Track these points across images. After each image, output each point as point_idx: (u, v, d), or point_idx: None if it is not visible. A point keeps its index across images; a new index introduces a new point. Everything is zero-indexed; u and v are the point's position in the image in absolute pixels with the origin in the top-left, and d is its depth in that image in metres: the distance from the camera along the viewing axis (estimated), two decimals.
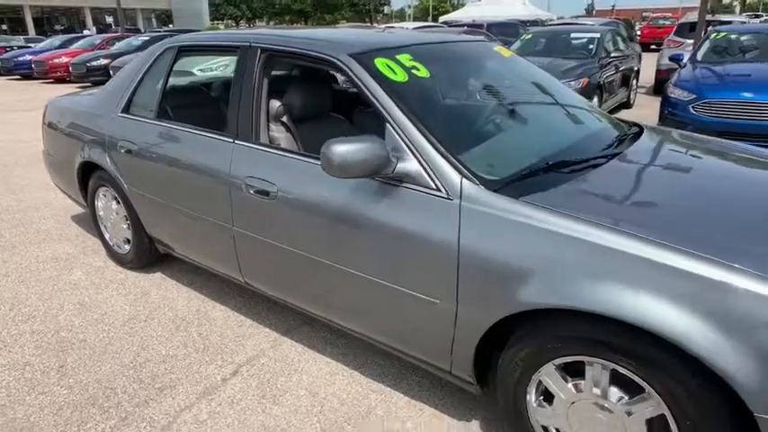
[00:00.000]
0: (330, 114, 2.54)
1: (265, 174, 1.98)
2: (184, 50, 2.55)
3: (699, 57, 6.15)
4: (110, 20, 35.64)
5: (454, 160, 1.60)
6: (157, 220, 2.63)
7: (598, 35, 7.09)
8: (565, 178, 1.63)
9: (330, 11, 50.97)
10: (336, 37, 2.06)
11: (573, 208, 1.43)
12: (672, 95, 5.32)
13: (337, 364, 2.17)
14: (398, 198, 1.64)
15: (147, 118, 2.57)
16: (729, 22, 10.16)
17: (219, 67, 6.37)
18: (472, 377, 1.65)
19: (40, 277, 2.95)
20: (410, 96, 1.77)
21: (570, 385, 1.45)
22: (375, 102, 1.74)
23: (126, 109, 2.69)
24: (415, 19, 43.70)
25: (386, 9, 45.25)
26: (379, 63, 1.86)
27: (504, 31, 12.93)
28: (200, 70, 6.14)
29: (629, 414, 1.36)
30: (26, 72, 14.74)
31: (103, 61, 12.61)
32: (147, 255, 2.90)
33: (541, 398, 1.54)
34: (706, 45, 6.36)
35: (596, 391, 1.40)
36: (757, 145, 5.10)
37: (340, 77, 3.17)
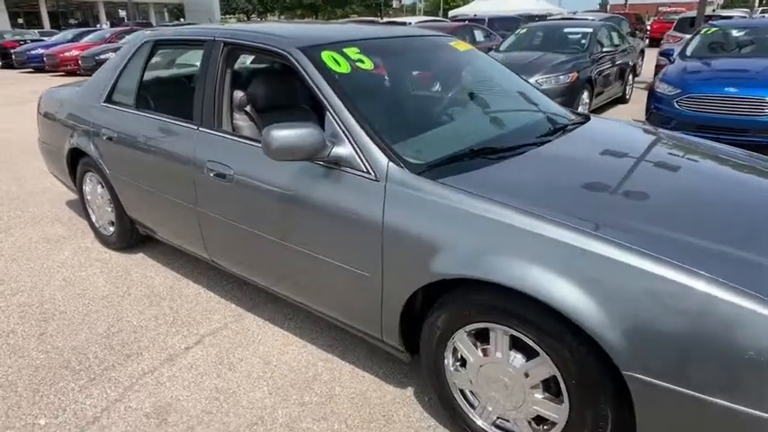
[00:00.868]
0: (301, 107, 2.69)
1: (223, 158, 2.15)
2: (160, 44, 2.73)
3: (688, 52, 6.17)
4: (123, 14, 36.13)
5: (383, 145, 1.74)
6: (135, 202, 2.81)
7: (591, 30, 7.14)
8: (487, 163, 1.77)
9: (340, 5, 51.00)
10: (290, 32, 2.21)
11: (485, 189, 1.57)
12: (658, 90, 5.36)
13: (293, 336, 2.34)
14: (335, 180, 1.79)
15: (126, 107, 2.75)
16: (730, 17, 10.09)
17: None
18: (401, 344, 1.81)
19: (31, 256, 3.16)
20: (350, 86, 1.91)
21: (479, 351, 1.60)
22: (317, 91, 1.89)
23: (108, 99, 2.87)
24: (426, 13, 43.58)
25: (396, 3, 45.04)
26: (326, 56, 2.00)
27: (506, 25, 13.01)
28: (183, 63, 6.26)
29: (527, 375, 1.51)
30: (38, 65, 15.12)
31: (112, 55, 12.89)
32: (129, 236, 3.09)
33: (458, 363, 1.69)
34: (696, 40, 6.37)
35: (499, 355, 1.55)
36: (740, 139, 5.09)
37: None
